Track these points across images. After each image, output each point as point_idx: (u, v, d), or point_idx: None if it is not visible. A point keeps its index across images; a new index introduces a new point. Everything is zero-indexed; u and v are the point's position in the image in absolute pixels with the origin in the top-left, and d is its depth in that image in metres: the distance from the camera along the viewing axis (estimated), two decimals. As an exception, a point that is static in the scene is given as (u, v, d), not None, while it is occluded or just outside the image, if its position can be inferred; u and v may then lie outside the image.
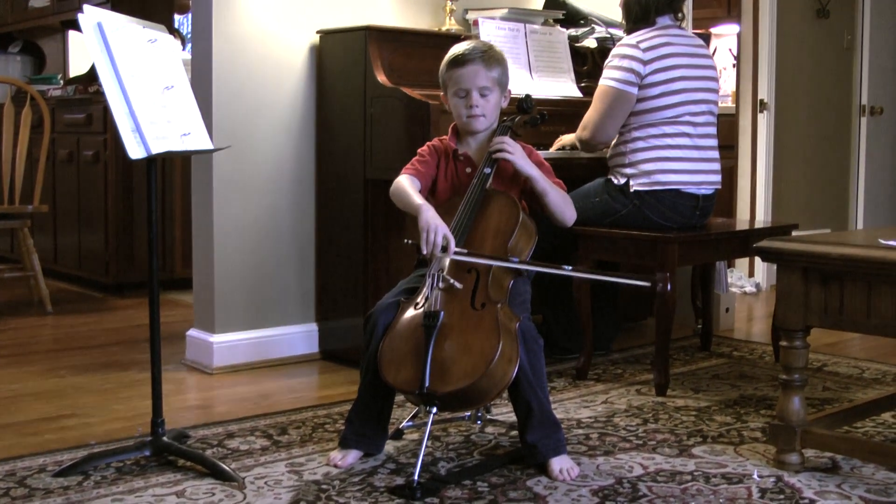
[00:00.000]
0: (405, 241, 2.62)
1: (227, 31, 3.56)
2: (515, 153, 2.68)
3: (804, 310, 2.47)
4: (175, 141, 2.50)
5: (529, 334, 2.48)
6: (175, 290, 5.14)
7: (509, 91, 2.81)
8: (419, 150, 2.82)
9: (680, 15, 3.56)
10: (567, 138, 3.64)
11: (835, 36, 6.23)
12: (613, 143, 3.51)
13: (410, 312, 2.51)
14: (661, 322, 3.30)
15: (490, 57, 2.73)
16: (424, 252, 2.51)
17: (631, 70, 3.38)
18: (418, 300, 2.53)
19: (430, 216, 2.54)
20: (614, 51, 3.48)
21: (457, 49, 2.76)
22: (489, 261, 2.54)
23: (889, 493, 2.38)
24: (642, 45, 3.40)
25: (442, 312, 2.43)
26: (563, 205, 2.76)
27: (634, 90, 3.40)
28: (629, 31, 3.53)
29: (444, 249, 2.50)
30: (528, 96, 2.87)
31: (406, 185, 2.68)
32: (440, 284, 2.51)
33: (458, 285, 2.50)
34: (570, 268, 2.69)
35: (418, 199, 2.61)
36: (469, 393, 2.37)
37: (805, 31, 6.02)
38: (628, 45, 3.43)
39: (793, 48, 5.91)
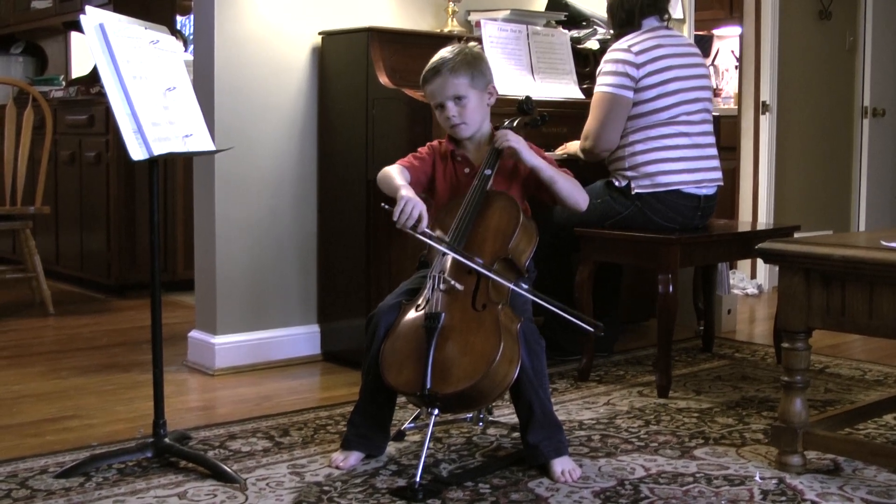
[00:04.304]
0: (382, 205, 2.61)
1: (228, 32, 3.56)
2: (520, 144, 2.68)
3: (806, 311, 2.47)
4: (177, 142, 2.50)
5: (531, 335, 2.48)
6: (177, 291, 5.13)
7: (493, 87, 2.77)
8: (418, 149, 2.84)
9: (666, 16, 3.57)
10: (572, 146, 3.63)
11: (837, 37, 6.22)
12: (613, 146, 3.51)
13: (412, 314, 2.51)
14: (662, 324, 3.30)
15: (455, 63, 2.69)
16: (395, 219, 2.51)
17: (625, 74, 3.39)
18: (419, 302, 2.53)
19: (411, 194, 2.56)
20: (606, 56, 3.49)
21: (428, 64, 2.75)
22: (465, 260, 2.51)
23: (891, 495, 2.38)
24: (634, 49, 3.41)
25: (443, 314, 2.43)
26: (573, 190, 2.73)
27: (630, 94, 3.40)
28: (617, 36, 3.54)
29: (415, 228, 2.50)
30: (528, 98, 2.87)
31: (394, 171, 2.70)
32: (441, 286, 2.51)
33: (458, 287, 2.50)
34: (527, 287, 2.60)
35: (400, 181, 2.63)
36: (470, 394, 2.37)
37: (807, 33, 6.02)
38: (620, 50, 3.44)
39: (795, 50, 5.90)
